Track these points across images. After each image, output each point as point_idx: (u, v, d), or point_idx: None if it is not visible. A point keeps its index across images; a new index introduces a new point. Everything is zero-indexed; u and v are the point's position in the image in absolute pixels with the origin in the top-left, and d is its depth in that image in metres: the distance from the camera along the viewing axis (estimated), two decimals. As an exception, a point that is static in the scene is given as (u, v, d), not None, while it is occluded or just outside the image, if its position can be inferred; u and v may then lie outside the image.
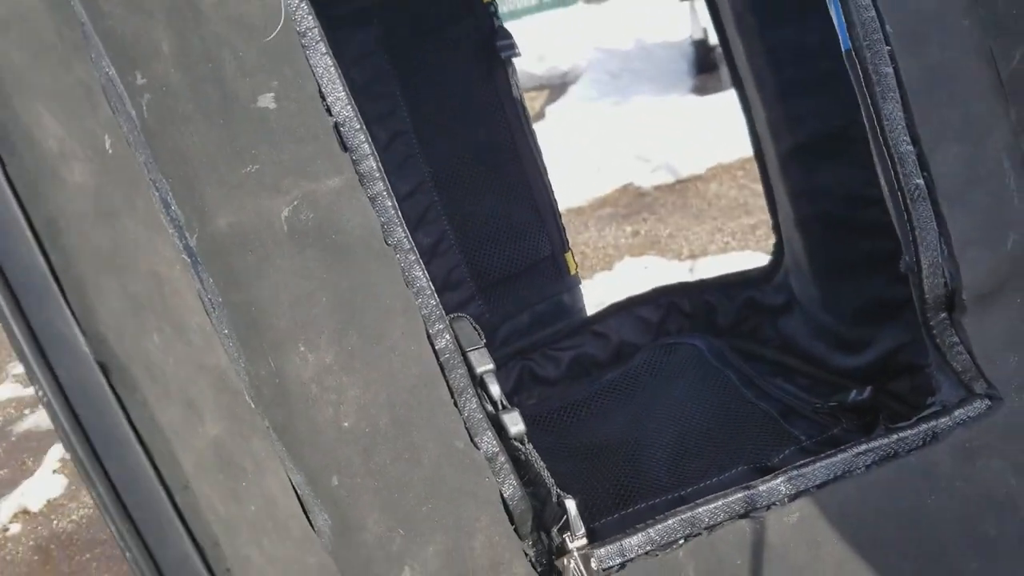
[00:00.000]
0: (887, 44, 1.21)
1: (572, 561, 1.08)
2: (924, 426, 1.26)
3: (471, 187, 2.24)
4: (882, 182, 1.27)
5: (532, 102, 8.11)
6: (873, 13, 1.20)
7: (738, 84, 1.79)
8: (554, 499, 1.11)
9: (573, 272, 2.33)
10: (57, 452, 4.42)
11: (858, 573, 1.19)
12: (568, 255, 2.31)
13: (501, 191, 2.25)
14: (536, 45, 8.62)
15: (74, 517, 3.92)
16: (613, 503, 1.57)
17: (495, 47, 2.17)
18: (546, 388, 2.08)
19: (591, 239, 5.45)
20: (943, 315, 1.29)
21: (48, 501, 4.05)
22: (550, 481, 1.12)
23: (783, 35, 1.64)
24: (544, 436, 1.86)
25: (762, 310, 1.96)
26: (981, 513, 1.24)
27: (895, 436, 1.25)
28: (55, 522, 3.92)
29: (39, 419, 4.83)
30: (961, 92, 1.24)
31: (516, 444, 1.13)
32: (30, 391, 5.14)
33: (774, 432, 1.65)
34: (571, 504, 1.09)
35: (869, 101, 1.22)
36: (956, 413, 1.27)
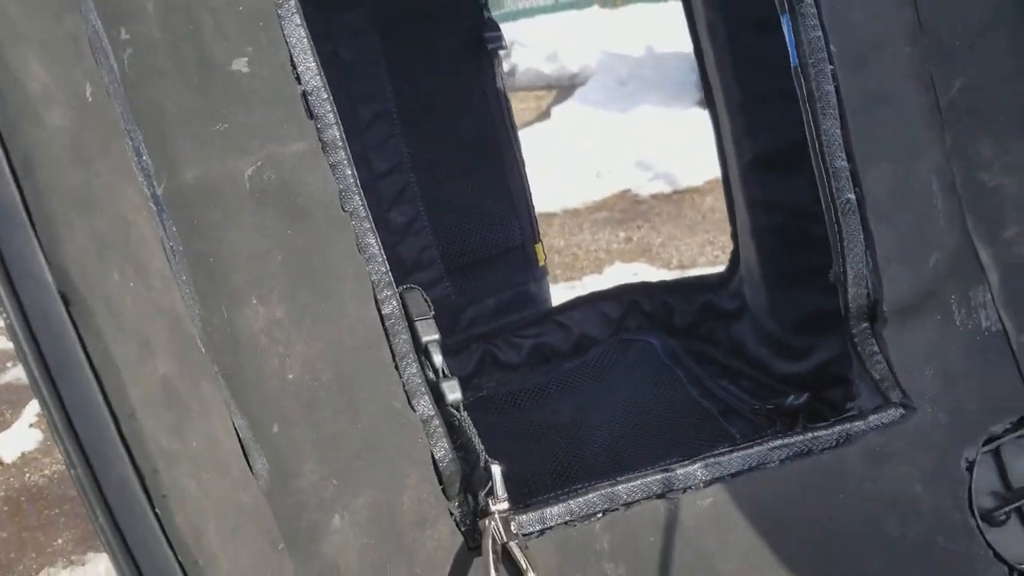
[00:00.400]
0: (831, 63, 1.28)
1: (493, 523, 1.15)
2: (839, 428, 1.32)
3: (448, 172, 2.32)
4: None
5: (539, 101, 8.16)
6: (819, 33, 1.27)
7: (708, 93, 1.86)
8: (482, 464, 1.17)
9: (541, 263, 2.40)
10: (35, 407, 4.43)
11: (764, 559, 1.26)
12: (538, 246, 2.38)
13: (477, 178, 2.33)
14: (548, 44, 8.68)
15: (47, 472, 3.94)
16: (553, 482, 1.64)
17: (483, 38, 2.24)
18: (506, 373, 2.16)
19: (584, 241, 5.49)
20: (865, 325, 1.36)
21: (22, 454, 4.07)
22: (480, 447, 1.18)
23: (750, 48, 1.71)
24: (497, 417, 1.93)
25: (717, 314, 2.03)
26: (886, 514, 1.30)
27: (811, 435, 1.31)
28: (27, 475, 3.94)
29: (20, 372, 4.85)
30: (898, 114, 1.31)
31: (452, 411, 1.19)
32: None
33: (712, 429, 1.72)
34: (496, 470, 1.15)
35: (810, 116, 1.29)
36: (871, 418, 1.33)
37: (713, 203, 5.71)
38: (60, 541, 3.46)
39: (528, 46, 8.76)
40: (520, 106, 7.79)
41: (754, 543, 1.26)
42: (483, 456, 1.18)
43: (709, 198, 5.78)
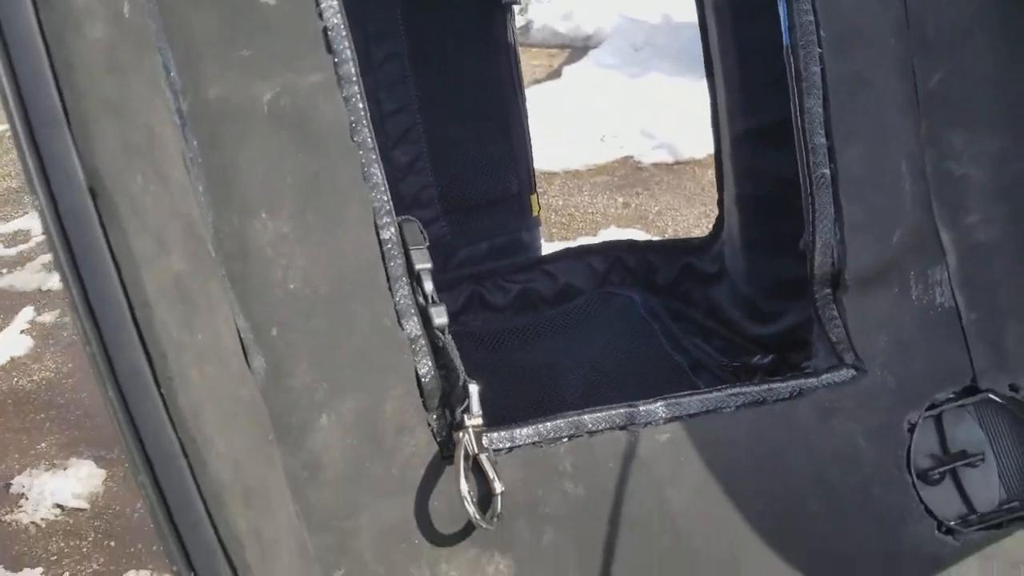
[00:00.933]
0: (819, 47, 1.36)
1: (466, 435, 1.23)
2: (793, 382, 1.42)
3: (453, 117, 2.38)
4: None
5: (551, 59, 8.12)
6: (811, 18, 1.35)
7: (708, 67, 1.93)
8: (461, 384, 1.25)
9: (535, 213, 2.49)
10: (27, 314, 4.45)
11: (713, 492, 1.35)
12: (533, 197, 2.46)
13: (481, 126, 2.40)
14: (564, 3, 8.62)
15: (35, 377, 4.00)
16: (529, 414, 1.74)
17: (498, -8, 2.31)
18: (492, 314, 2.25)
19: (582, 203, 5.51)
20: (827, 291, 1.45)
21: (11, 358, 4.12)
22: (460, 368, 1.26)
23: (754, 30, 1.78)
24: (479, 353, 2.03)
25: (696, 276, 2.13)
26: (829, 463, 1.40)
27: (766, 386, 1.41)
28: (15, 379, 3.99)
29: (14, 280, 4.86)
30: (878, 100, 1.39)
31: (437, 333, 1.27)
32: (9, 251, 5.21)
33: (680, 381, 1.83)
34: (474, 389, 1.23)
35: (796, 94, 1.38)
36: (823, 376, 1.43)
37: (713, 177, 5.72)
38: (44, 445, 3.53)
39: (545, 2, 8.71)
40: (532, 62, 7.75)
41: (705, 477, 1.35)
42: (462, 376, 1.25)
43: (709, 171, 5.71)
